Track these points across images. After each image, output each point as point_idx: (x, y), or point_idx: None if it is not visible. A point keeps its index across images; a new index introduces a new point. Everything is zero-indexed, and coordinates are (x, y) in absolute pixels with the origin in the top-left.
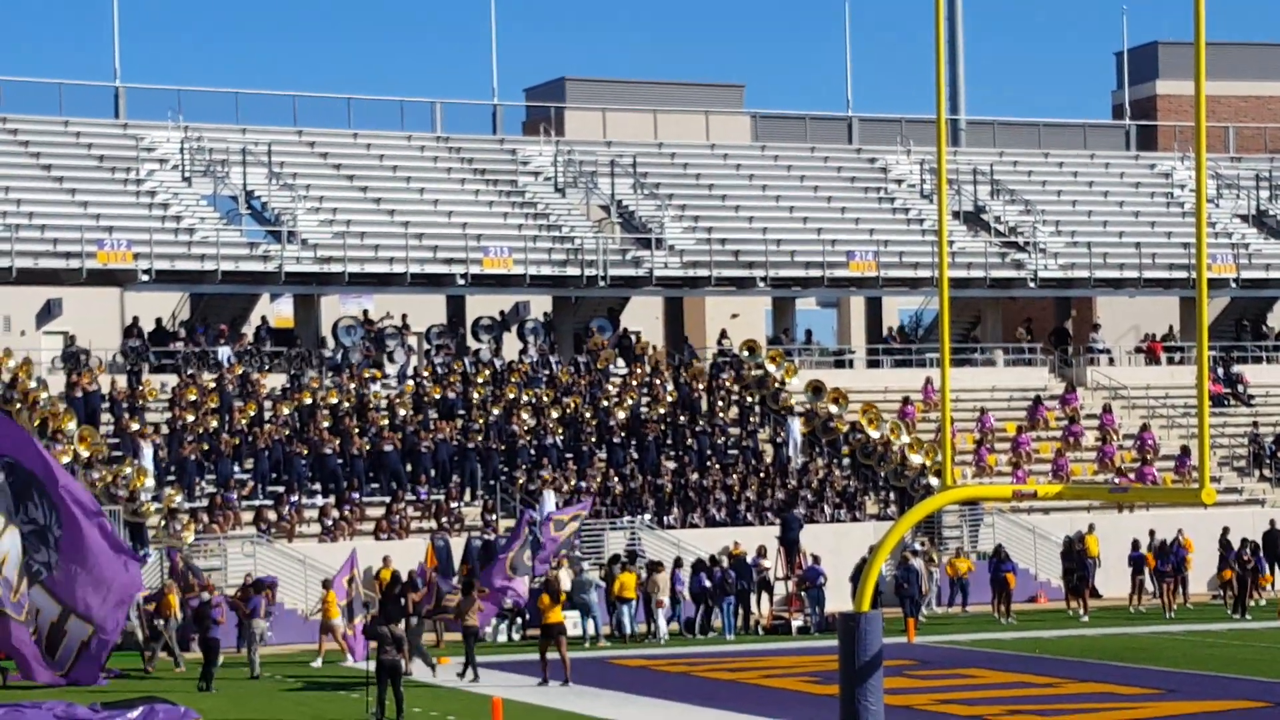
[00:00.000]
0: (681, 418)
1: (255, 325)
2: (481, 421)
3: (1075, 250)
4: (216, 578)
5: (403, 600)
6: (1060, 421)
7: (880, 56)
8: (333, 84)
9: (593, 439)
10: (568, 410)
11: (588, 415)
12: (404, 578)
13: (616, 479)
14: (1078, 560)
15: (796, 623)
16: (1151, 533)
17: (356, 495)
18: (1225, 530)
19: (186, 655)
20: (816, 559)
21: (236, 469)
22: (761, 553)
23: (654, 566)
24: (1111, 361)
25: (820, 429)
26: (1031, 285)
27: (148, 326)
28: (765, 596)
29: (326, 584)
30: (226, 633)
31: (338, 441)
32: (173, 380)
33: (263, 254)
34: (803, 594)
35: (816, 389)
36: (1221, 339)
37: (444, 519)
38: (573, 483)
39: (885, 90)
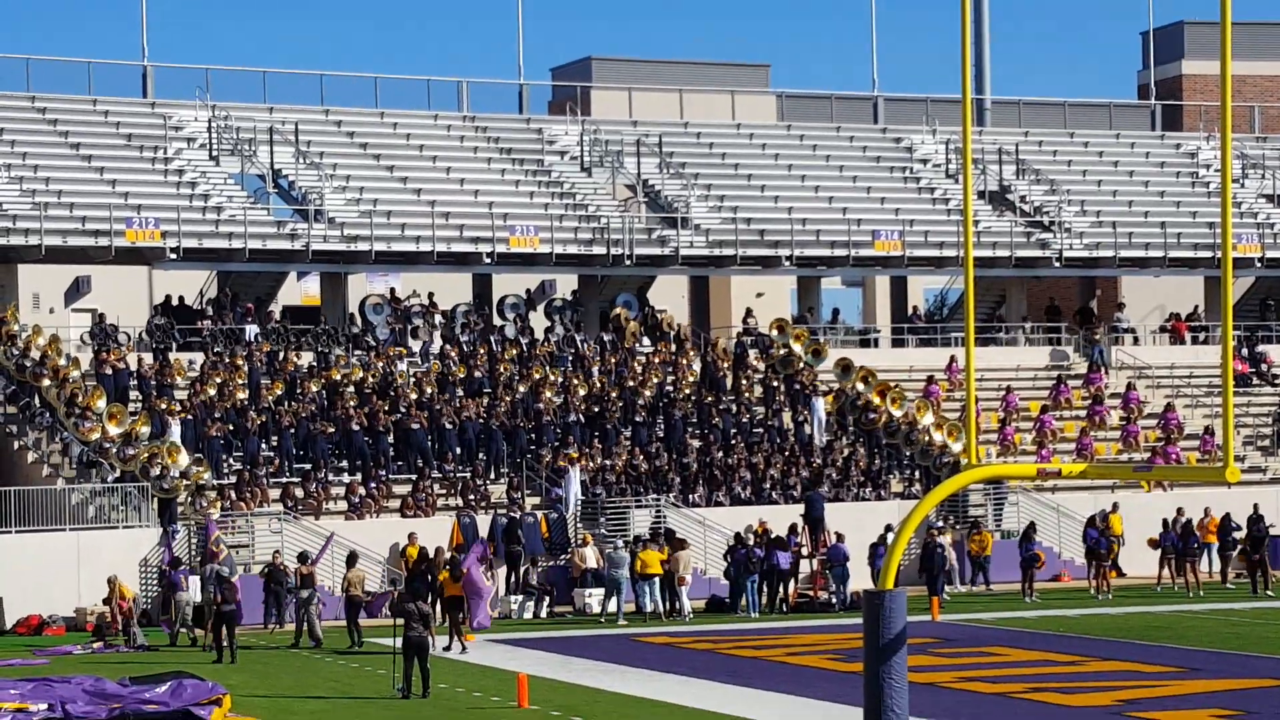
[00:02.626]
0: (707, 396)
1: (282, 305)
2: (507, 400)
3: (1100, 230)
4: (243, 554)
5: (430, 577)
6: (1084, 401)
7: (906, 36)
8: (360, 63)
9: (618, 417)
10: (593, 389)
11: (613, 394)
12: (430, 554)
13: (642, 457)
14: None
15: (821, 600)
16: (1180, 511)
17: (383, 473)
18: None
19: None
20: (840, 537)
21: (263, 446)
22: (794, 530)
23: (679, 544)
24: (1136, 341)
25: (848, 407)
26: (1056, 265)
27: (175, 303)
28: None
29: (304, 558)
30: (254, 609)
31: (365, 419)
32: (200, 358)
33: (290, 232)
34: (827, 572)
35: (845, 367)
36: (1246, 318)
37: (470, 497)
38: (598, 460)
39: (911, 70)
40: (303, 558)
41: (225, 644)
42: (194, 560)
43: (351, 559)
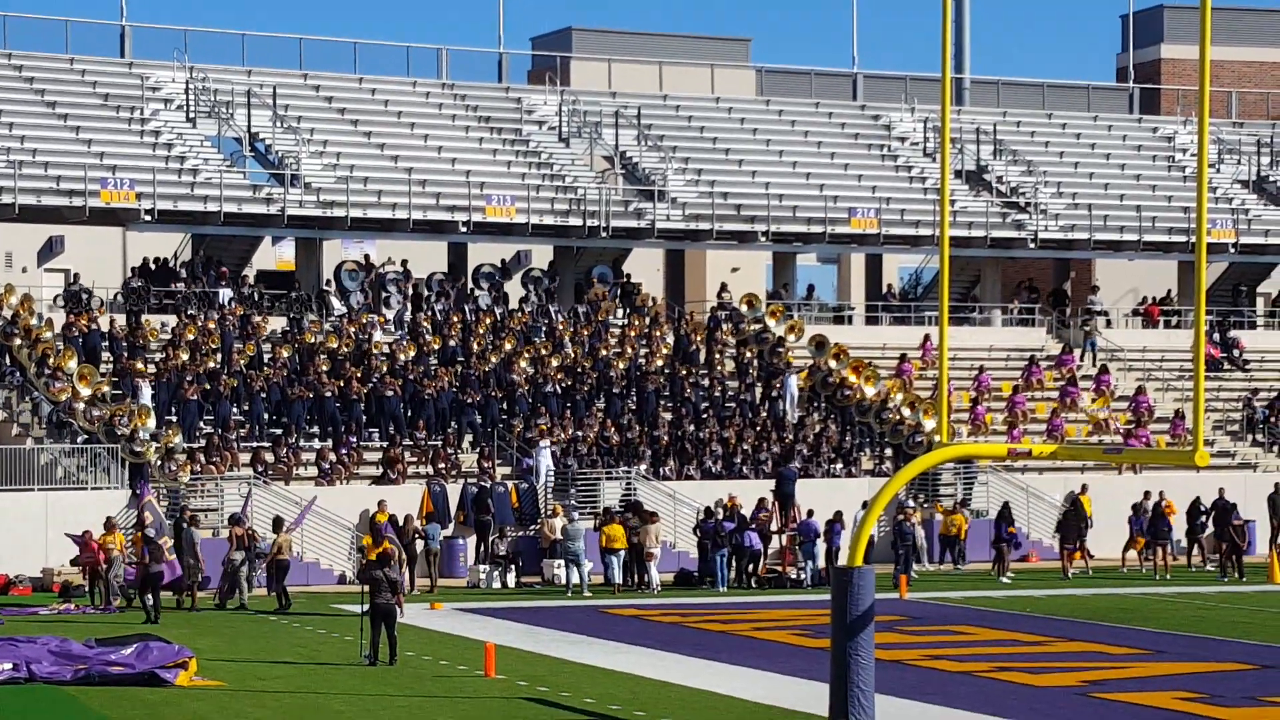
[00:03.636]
0: (680, 370)
1: (256, 269)
2: (481, 369)
3: (1076, 212)
4: (213, 518)
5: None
6: (1056, 382)
7: (886, 14)
8: (339, 28)
9: (591, 389)
10: (566, 360)
11: (587, 365)
12: (401, 522)
13: (613, 429)
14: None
15: (794, 575)
16: (1146, 494)
17: (354, 439)
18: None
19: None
20: (811, 513)
21: (235, 411)
22: (761, 505)
23: (648, 517)
24: (1109, 324)
25: (821, 384)
26: (1031, 246)
27: (143, 265)
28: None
29: (236, 520)
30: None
31: (337, 385)
32: (173, 321)
33: (265, 196)
34: (797, 548)
35: (819, 344)
36: (1218, 304)
37: (441, 465)
38: (570, 432)
39: (890, 48)
40: (235, 519)
41: (152, 604)
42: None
43: (277, 523)
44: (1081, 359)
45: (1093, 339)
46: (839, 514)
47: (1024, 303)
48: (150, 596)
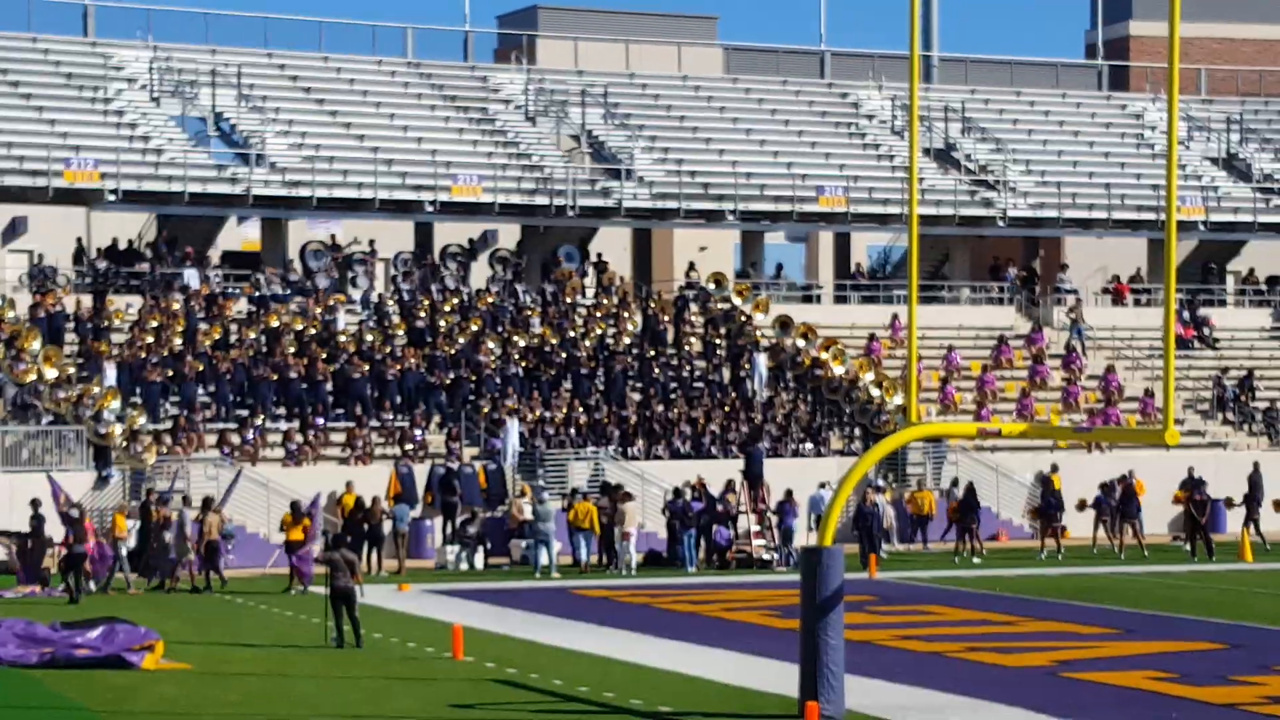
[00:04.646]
0: (648, 350)
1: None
2: (447, 349)
3: (1045, 190)
4: (178, 501)
5: (365, 526)
6: (1026, 361)
7: None
8: (304, 6)
9: (558, 369)
10: (534, 340)
11: (554, 345)
12: (367, 504)
13: (581, 409)
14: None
15: (765, 556)
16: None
17: (321, 420)
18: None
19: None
20: (789, 494)
21: (201, 392)
22: (730, 487)
23: (624, 497)
24: (1079, 302)
25: (788, 364)
26: (1000, 224)
27: (111, 245)
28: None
29: (208, 504)
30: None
31: (303, 366)
32: (138, 301)
33: (230, 176)
34: (774, 529)
35: (785, 324)
36: (1188, 282)
37: (408, 446)
38: (538, 412)
39: (858, 25)
40: (162, 500)
41: (74, 584)
42: (129, 506)
43: (207, 503)
44: (1070, 348)
45: (1079, 325)
46: (789, 493)
47: (999, 281)
48: (72, 577)
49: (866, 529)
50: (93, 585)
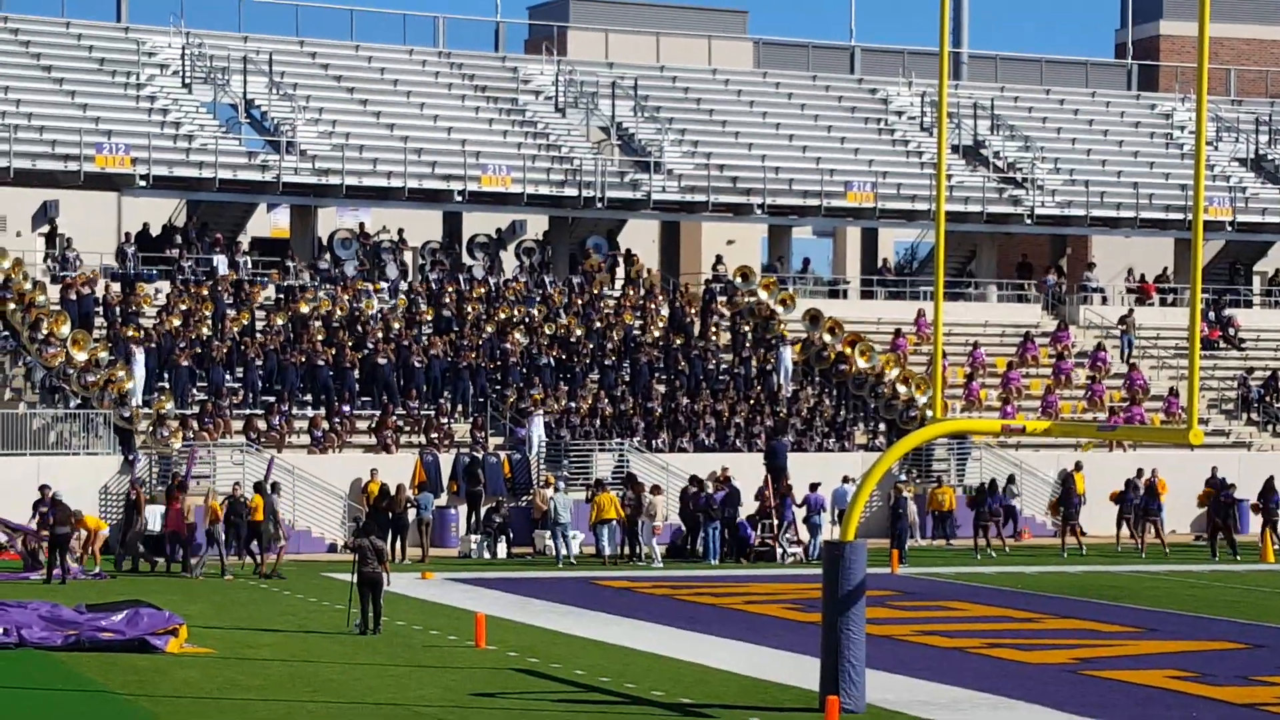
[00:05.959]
0: (675, 342)
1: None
2: (474, 339)
3: (1073, 188)
4: (204, 484)
5: (390, 514)
6: (1051, 358)
7: None
8: None
9: (585, 360)
10: (560, 330)
11: (581, 335)
12: (392, 491)
13: (607, 401)
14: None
15: (795, 550)
16: (1139, 471)
17: (347, 408)
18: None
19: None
20: (815, 487)
21: (228, 378)
22: (766, 483)
23: (653, 490)
24: (1104, 300)
25: (814, 358)
26: (1028, 222)
27: (142, 231)
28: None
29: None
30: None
31: (330, 353)
32: (166, 287)
33: (261, 163)
34: (803, 524)
35: (814, 318)
36: (1214, 282)
37: (433, 434)
38: (563, 403)
39: (888, 21)
40: (136, 483)
41: (56, 566)
42: (154, 490)
43: (182, 487)
44: (1124, 357)
45: (1130, 335)
46: (815, 486)
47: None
48: (57, 557)
49: (895, 525)
50: (194, 563)
